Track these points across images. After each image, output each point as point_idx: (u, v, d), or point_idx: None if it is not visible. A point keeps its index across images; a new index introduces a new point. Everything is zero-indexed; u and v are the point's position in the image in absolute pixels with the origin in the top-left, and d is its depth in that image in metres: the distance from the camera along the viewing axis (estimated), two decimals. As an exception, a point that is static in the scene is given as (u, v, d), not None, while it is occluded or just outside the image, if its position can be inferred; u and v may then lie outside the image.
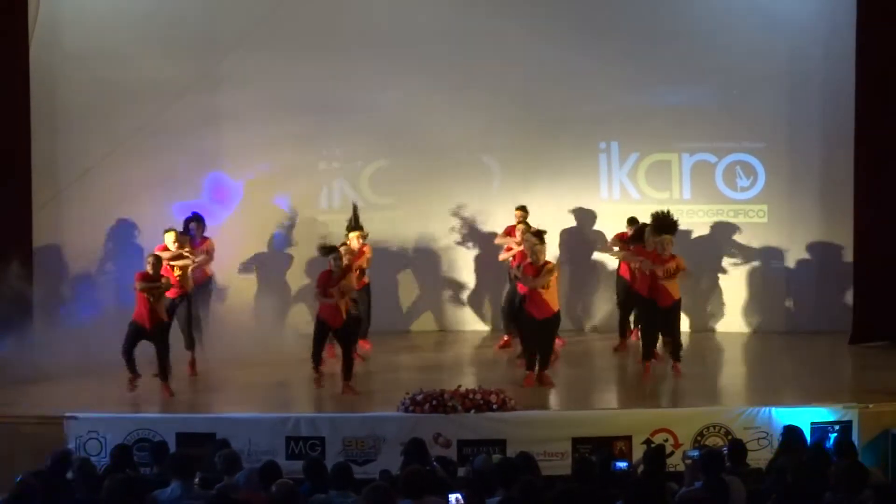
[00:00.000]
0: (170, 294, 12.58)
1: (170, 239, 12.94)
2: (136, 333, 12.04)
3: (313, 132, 15.11)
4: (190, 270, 12.97)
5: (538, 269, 12.27)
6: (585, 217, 15.27)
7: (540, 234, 12.91)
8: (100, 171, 14.79)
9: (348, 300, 12.34)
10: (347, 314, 12.29)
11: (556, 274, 12.39)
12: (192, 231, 13.50)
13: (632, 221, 14.08)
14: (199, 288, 13.33)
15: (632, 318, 14.04)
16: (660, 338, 13.09)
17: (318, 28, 14.98)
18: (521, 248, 13.11)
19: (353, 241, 13.45)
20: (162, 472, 9.02)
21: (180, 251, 12.93)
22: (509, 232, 14.10)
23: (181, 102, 14.76)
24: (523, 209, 14.04)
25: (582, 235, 15.46)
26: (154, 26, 14.92)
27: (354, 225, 13.63)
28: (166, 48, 14.88)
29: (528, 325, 12.46)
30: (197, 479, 8.52)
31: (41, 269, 14.51)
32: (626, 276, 13.74)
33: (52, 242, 14.80)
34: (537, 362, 12.31)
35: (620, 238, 14.04)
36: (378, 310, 14.14)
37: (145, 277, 12.05)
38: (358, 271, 13.13)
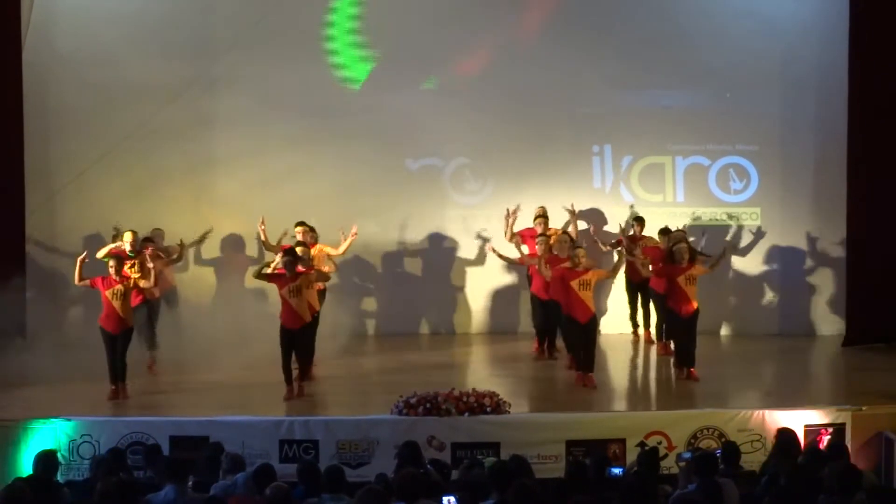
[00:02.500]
0: (133, 302, 12.36)
1: (128, 238, 12.70)
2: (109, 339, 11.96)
3: (306, 135, 15.10)
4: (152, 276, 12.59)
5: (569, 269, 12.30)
6: (580, 219, 15.25)
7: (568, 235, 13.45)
8: (93, 174, 14.77)
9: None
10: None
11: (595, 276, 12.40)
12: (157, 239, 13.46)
13: (638, 220, 14.14)
14: (165, 296, 13.28)
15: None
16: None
17: (311, 31, 14.97)
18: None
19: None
20: (155, 475, 9.01)
21: (158, 252, 12.85)
22: (530, 234, 13.99)
23: (174, 105, 14.74)
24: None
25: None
26: (147, 29, 14.89)
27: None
28: (159, 51, 14.85)
29: (572, 328, 12.49)
30: (190, 483, 8.51)
31: (34, 272, 14.49)
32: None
33: (46, 245, 14.77)
34: (582, 363, 12.40)
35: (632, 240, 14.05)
36: (372, 313, 14.12)
37: (109, 280, 11.90)
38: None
